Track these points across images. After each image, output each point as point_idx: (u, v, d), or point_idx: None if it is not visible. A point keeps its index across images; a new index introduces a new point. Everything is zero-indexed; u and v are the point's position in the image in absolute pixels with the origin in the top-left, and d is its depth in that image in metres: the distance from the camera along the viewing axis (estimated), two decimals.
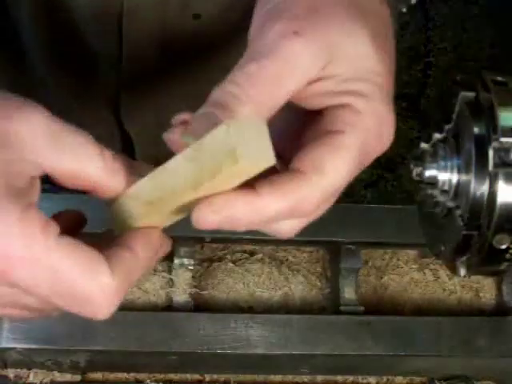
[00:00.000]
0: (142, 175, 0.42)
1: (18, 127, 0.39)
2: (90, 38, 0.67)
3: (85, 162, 0.40)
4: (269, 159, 0.37)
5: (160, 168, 0.41)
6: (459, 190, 0.47)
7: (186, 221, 0.68)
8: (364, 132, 0.42)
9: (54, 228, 0.39)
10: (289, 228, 0.44)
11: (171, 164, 0.40)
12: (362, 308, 0.68)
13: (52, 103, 0.74)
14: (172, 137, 0.41)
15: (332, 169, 0.40)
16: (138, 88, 0.72)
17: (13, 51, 0.73)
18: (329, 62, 0.41)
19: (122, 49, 0.66)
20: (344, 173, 0.41)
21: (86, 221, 0.47)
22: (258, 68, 0.40)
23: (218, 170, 0.37)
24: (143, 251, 0.42)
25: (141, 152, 0.81)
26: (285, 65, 0.40)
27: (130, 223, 0.43)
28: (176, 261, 0.68)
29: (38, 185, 0.41)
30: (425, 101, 1.66)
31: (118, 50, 0.66)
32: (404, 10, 0.59)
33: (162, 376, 0.70)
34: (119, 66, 0.68)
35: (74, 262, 0.39)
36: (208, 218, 0.39)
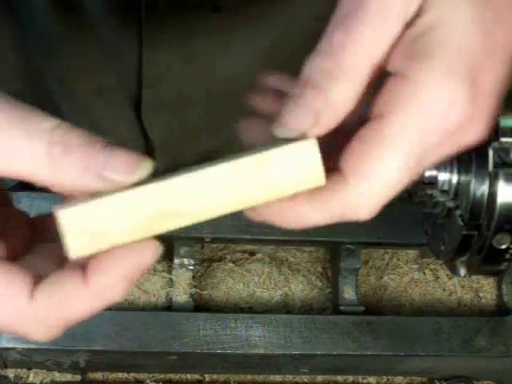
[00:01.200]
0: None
1: None
2: (110, 34, 0.65)
3: (27, 158, 0.34)
4: (318, 179, 0.35)
5: (191, 173, 0.35)
6: (459, 190, 0.47)
7: None
8: (420, 115, 0.34)
9: (24, 291, 0.35)
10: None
11: (216, 169, 0.35)
12: (362, 308, 0.68)
13: (74, 99, 0.72)
14: (246, 125, 0.36)
15: (374, 170, 0.34)
16: (160, 88, 0.71)
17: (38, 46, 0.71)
18: (420, 5, 0.34)
19: (143, 44, 0.64)
20: (394, 173, 0.34)
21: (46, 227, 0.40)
22: (346, 34, 0.34)
23: (286, 188, 0.35)
24: (98, 281, 0.35)
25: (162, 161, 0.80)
26: (375, 16, 0.34)
27: (100, 242, 0.35)
28: (176, 261, 0.68)
29: None
30: None
31: (138, 46, 0.64)
32: None
33: (161, 376, 0.70)
34: (140, 63, 0.66)
35: None
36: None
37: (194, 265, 0.68)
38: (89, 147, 0.34)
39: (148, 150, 0.75)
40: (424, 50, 0.34)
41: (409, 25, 0.35)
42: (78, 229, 0.34)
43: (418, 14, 0.35)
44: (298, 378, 0.72)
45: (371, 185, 0.35)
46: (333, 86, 0.35)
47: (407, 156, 0.34)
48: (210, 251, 0.72)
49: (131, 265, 0.35)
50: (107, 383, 0.69)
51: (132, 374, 0.70)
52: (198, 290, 0.68)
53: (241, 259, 0.72)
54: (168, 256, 0.69)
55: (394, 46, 0.35)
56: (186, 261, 0.68)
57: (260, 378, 0.71)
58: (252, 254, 0.73)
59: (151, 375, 0.69)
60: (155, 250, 0.36)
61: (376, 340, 0.66)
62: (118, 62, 0.67)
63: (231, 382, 0.70)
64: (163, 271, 0.69)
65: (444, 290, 0.73)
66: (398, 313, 0.72)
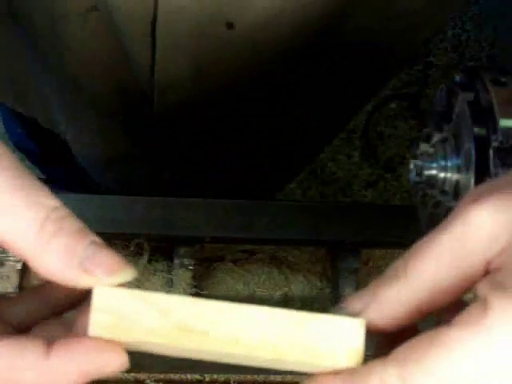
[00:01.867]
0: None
1: None
2: (125, 44, 0.63)
3: (16, 232, 0.33)
4: (356, 360, 0.35)
5: (234, 304, 0.35)
6: (459, 190, 0.47)
7: (186, 220, 0.68)
8: (479, 341, 0.32)
9: None
10: None
11: (261, 310, 0.35)
12: None
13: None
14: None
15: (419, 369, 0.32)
16: (173, 108, 0.69)
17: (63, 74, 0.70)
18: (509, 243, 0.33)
19: (155, 59, 0.62)
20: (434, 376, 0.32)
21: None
22: (426, 240, 0.35)
23: (319, 356, 0.35)
24: (60, 362, 0.34)
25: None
26: (462, 236, 0.34)
27: (121, 330, 0.34)
28: (176, 261, 0.67)
29: None
30: (425, 101, 1.66)
31: (151, 59, 0.62)
32: None
33: (161, 376, 0.70)
34: (152, 77, 0.64)
35: None
36: None
37: (193, 265, 0.68)
38: (81, 236, 0.34)
39: None
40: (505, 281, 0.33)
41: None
42: (106, 309, 0.34)
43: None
44: (297, 378, 0.71)
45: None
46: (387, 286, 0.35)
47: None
48: (209, 251, 0.72)
49: (92, 364, 0.34)
50: (107, 383, 0.69)
51: (132, 374, 0.69)
52: (198, 290, 0.68)
53: (241, 259, 0.72)
54: (168, 256, 0.69)
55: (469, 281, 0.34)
56: (186, 261, 0.68)
57: (260, 377, 0.71)
58: (252, 253, 0.73)
59: (151, 375, 0.69)
60: (122, 364, 0.35)
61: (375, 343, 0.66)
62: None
63: (231, 382, 0.70)
64: (163, 271, 0.69)
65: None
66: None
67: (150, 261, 0.69)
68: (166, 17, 0.57)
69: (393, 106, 1.61)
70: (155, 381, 0.69)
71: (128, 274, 0.35)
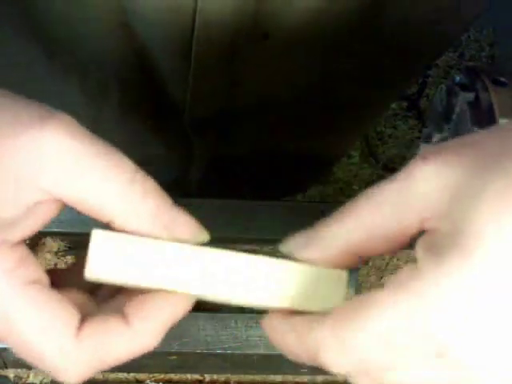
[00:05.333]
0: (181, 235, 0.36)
1: (28, 144, 0.33)
2: (158, 57, 0.62)
3: (104, 193, 0.34)
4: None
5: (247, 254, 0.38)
6: None
7: None
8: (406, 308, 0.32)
9: (26, 273, 0.35)
10: None
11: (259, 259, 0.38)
12: None
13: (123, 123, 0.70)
14: None
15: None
16: (205, 118, 0.69)
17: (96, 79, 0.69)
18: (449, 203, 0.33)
19: (190, 72, 0.62)
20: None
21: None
22: (371, 189, 0.36)
23: (304, 303, 0.38)
24: (141, 324, 0.36)
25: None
26: (402, 189, 0.34)
27: (127, 275, 0.36)
28: None
29: (42, 213, 0.35)
30: (425, 101, 1.66)
31: (186, 72, 0.62)
32: None
33: (161, 376, 0.70)
34: (186, 88, 0.64)
35: (33, 317, 0.34)
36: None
37: None
38: (164, 198, 0.36)
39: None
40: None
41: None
42: (103, 251, 0.35)
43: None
44: (298, 378, 0.71)
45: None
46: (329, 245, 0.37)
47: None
48: None
49: (167, 315, 0.37)
50: (107, 383, 0.69)
51: (132, 374, 0.70)
52: None
53: None
54: None
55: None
56: None
57: (260, 377, 0.71)
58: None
59: (151, 375, 0.69)
60: (187, 306, 0.38)
61: None
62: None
63: (231, 382, 0.70)
64: None
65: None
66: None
67: None
68: (204, 32, 0.56)
69: (393, 105, 1.61)
70: (155, 381, 0.69)
71: (204, 236, 0.37)
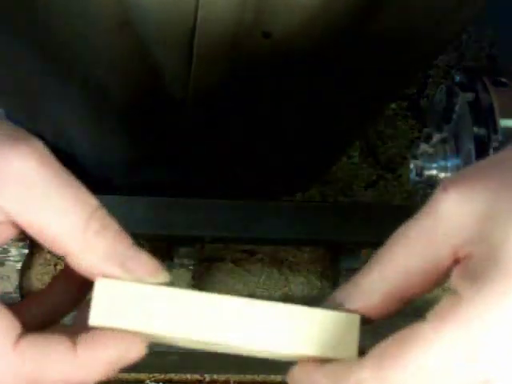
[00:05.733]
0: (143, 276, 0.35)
1: None
2: (159, 55, 0.62)
3: (60, 225, 0.34)
4: (352, 354, 0.37)
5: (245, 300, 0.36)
6: None
7: (186, 220, 0.68)
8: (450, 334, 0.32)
9: (11, 334, 0.34)
10: None
11: (256, 305, 0.36)
12: None
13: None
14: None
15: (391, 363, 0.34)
16: (205, 115, 0.69)
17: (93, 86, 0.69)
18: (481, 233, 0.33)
19: (191, 69, 0.62)
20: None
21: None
22: (399, 231, 0.36)
23: (315, 349, 0.37)
24: (87, 353, 0.35)
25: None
26: (429, 226, 0.35)
27: (123, 321, 0.35)
28: (176, 261, 0.67)
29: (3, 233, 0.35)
30: (425, 101, 1.66)
31: (187, 69, 0.62)
32: None
33: (162, 376, 0.70)
34: (187, 85, 0.64)
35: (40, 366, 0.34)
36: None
37: (193, 265, 0.68)
38: (122, 236, 0.36)
39: None
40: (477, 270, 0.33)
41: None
42: (107, 299, 0.35)
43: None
44: None
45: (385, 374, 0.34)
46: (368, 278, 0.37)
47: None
48: (209, 251, 0.72)
49: (115, 355, 0.35)
50: (107, 383, 0.69)
51: (132, 374, 0.70)
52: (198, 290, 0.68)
53: (241, 259, 0.72)
54: (168, 256, 0.69)
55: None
56: (185, 261, 0.68)
57: (260, 377, 0.71)
58: (252, 253, 0.73)
59: (151, 375, 0.69)
60: (140, 352, 0.36)
61: (376, 340, 0.66)
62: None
63: (231, 382, 0.70)
64: None
65: (444, 291, 0.73)
66: (397, 313, 0.72)
67: None
68: (205, 29, 0.56)
69: (393, 105, 1.61)
70: (155, 381, 0.69)
71: (164, 276, 0.36)
